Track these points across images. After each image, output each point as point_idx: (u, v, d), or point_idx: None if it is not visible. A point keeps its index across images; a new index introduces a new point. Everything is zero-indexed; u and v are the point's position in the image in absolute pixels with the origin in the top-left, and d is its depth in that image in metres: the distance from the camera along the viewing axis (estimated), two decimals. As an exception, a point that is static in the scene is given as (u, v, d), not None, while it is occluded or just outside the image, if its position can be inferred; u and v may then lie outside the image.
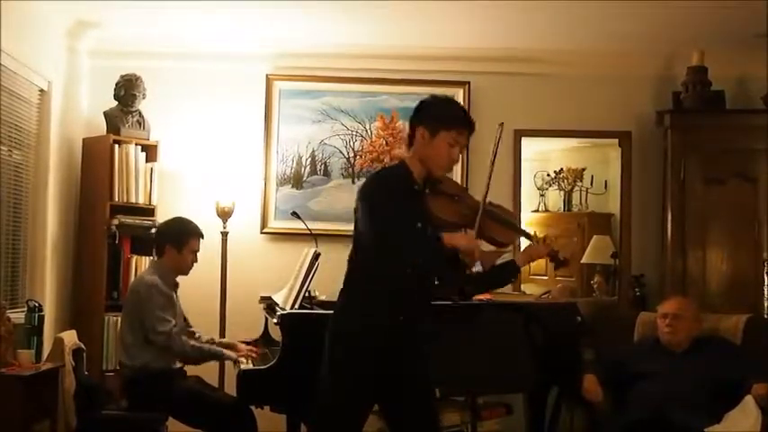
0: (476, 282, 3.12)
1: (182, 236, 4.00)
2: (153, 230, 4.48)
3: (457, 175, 5.20)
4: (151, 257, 4.73)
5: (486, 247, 2.98)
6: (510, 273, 3.09)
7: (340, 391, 2.84)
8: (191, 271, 4.07)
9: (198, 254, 4.06)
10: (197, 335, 4.15)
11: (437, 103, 2.96)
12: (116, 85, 4.84)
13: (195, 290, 4.09)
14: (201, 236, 4.07)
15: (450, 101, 3.01)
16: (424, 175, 2.91)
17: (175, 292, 4.02)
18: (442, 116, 2.89)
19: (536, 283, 6.61)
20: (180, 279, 4.05)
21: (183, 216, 4.16)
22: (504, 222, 3.02)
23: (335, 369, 2.85)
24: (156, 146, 4.95)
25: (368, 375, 2.83)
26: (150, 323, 3.81)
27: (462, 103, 5.19)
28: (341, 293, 2.95)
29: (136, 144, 4.84)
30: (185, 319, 4.13)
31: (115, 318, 4.65)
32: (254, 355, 4.00)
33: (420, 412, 2.89)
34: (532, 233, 3.09)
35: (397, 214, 2.75)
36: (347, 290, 2.93)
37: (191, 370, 4.09)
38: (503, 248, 3.09)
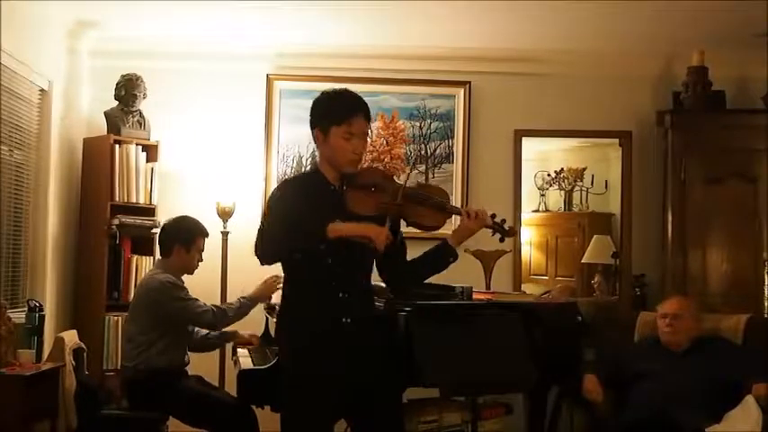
0: (409, 272, 3.02)
1: (190, 235, 4.00)
2: (153, 230, 4.48)
3: (457, 177, 5.21)
4: (152, 257, 4.75)
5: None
6: (444, 255, 2.93)
7: (292, 397, 2.80)
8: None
9: (202, 253, 4.07)
10: (195, 330, 4.15)
11: (323, 100, 2.86)
12: (116, 85, 4.84)
13: (196, 290, 4.08)
14: (207, 234, 4.08)
15: (336, 94, 2.87)
16: (338, 174, 2.86)
17: None
18: (327, 113, 2.82)
19: (536, 283, 6.62)
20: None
21: (187, 215, 4.16)
22: (429, 204, 2.91)
23: (283, 374, 2.85)
24: (156, 146, 4.95)
25: (309, 377, 2.76)
26: (188, 314, 3.83)
27: (462, 103, 5.25)
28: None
29: (136, 144, 4.84)
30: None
31: (116, 317, 4.66)
32: (254, 341, 4.06)
33: (384, 420, 2.85)
34: (463, 208, 2.95)
35: (277, 214, 2.74)
36: (282, 296, 2.94)
37: (192, 370, 4.09)
38: (432, 231, 2.95)
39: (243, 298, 3.94)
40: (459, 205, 4.72)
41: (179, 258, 3.98)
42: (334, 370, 2.76)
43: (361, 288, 2.89)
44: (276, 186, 2.95)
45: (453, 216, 3.02)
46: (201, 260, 4.06)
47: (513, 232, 3.08)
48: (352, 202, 2.80)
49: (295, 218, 2.70)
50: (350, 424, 2.99)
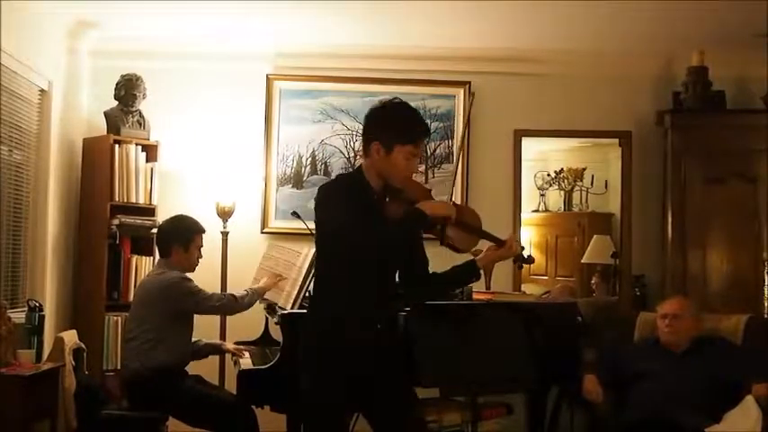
0: (435, 283, 3.06)
1: (187, 234, 4.02)
2: (153, 231, 4.48)
3: (457, 178, 5.20)
4: (152, 258, 4.75)
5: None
6: (469, 273, 3.01)
7: (313, 388, 2.81)
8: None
9: (201, 249, 4.09)
10: None
11: (391, 115, 2.82)
12: (116, 85, 4.84)
13: (195, 289, 4.10)
14: (203, 231, 4.10)
15: (405, 112, 2.85)
16: (383, 185, 2.85)
17: None
18: (396, 130, 2.78)
19: (536, 283, 6.64)
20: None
21: (183, 214, 4.17)
22: (465, 228, 2.94)
23: (305, 367, 2.85)
24: (156, 146, 4.95)
25: (333, 373, 2.78)
26: (204, 306, 3.92)
27: (462, 103, 5.25)
28: (312, 296, 2.98)
29: (136, 144, 4.84)
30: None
31: (116, 318, 4.67)
32: (240, 354, 4.06)
33: (393, 418, 2.85)
34: (497, 236, 3.01)
35: (349, 214, 2.71)
36: (315, 291, 2.94)
37: (191, 370, 4.09)
38: (460, 253, 3.00)
39: (250, 289, 4.00)
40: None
41: (178, 257, 4.00)
42: (358, 369, 2.78)
43: (392, 292, 2.93)
44: (330, 186, 2.89)
45: None
46: (201, 257, 4.08)
47: (533, 260, 3.23)
48: (394, 215, 2.80)
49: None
50: (364, 415, 2.98)
